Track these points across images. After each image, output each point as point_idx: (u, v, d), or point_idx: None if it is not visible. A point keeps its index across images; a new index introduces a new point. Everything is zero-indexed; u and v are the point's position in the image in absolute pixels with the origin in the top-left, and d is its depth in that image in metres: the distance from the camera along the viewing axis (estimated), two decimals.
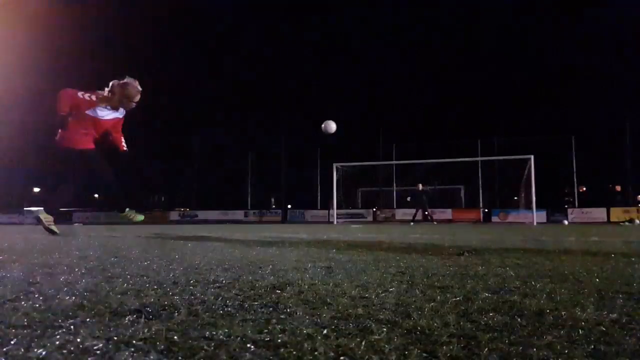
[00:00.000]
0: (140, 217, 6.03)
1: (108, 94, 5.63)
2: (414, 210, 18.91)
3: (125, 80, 5.68)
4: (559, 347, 0.89)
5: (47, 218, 5.48)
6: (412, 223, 16.66)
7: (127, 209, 5.90)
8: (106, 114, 5.64)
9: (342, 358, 0.83)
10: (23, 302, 1.31)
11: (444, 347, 0.89)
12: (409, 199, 18.29)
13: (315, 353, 0.85)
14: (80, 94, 5.47)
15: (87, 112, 5.49)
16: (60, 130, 5.56)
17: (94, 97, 5.55)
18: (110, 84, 5.67)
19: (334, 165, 20.73)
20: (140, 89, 5.78)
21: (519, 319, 1.11)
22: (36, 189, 43.59)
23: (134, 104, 5.77)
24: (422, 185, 18.59)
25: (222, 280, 1.73)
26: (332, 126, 10.75)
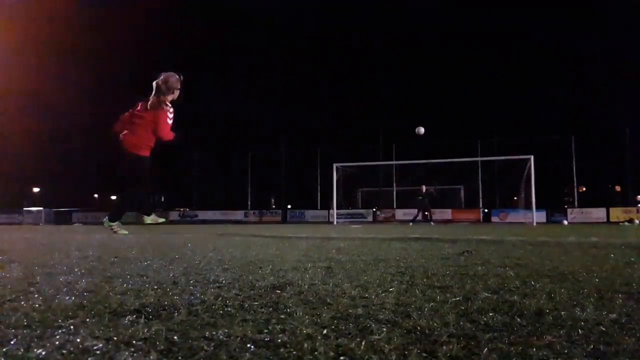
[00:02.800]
0: (125, 232, 6.02)
1: (165, 95, 5.73)
2: (414, 211, 18.92)
3: (162, 76, 5.76)
4: (558, 347, 0.89)
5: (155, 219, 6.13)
6: (411, 224, 16.65)
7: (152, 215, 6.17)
8: (172, 114, 5.88)
9: (342, 358, 0.83)
10: (23, 302, 1.31)
11: (444, 347, 0.89)
12: (419, 197, 18.30)
13: (315, 353, 0.85)
14: (167, 113, 5.74)
15: (169, 122, 5.79)
16: (126, 132, 5.74)
17: (170, 109, 5.78)
18: (154, 86, 5.73)
19: (334, 165, 20.72)
20: (177, 75, 5.86)
21: (519, 319, 1.11)
22: (36, 189, 43.54)
23: (178, 91, 5.87)
24: (426, 187, 18.60)
25: (222, 280, 1.73)
26: (421, 130, 14.93)
